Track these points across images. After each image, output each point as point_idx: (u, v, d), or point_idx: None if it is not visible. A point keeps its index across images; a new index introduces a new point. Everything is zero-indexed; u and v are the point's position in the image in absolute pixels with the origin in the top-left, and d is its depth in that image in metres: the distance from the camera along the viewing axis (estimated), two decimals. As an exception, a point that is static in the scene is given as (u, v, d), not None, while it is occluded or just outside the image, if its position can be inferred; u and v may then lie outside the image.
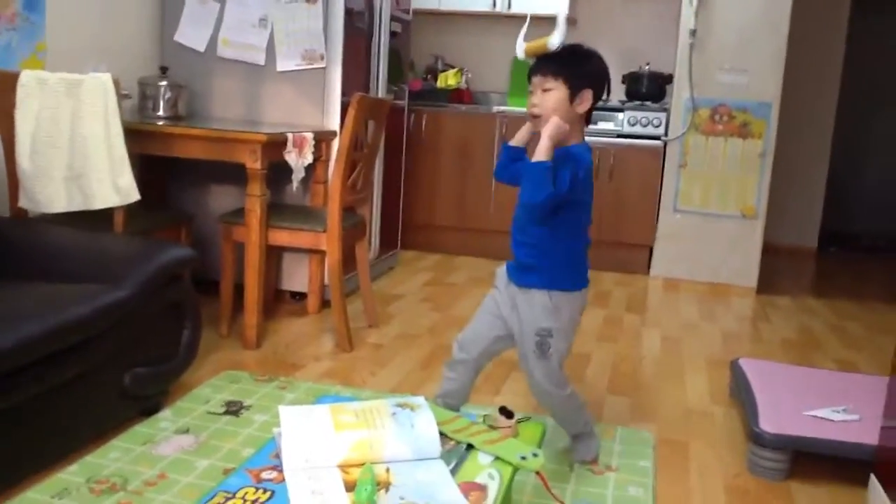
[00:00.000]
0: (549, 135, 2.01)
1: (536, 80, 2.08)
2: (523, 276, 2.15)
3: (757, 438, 2.33)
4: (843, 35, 6.06)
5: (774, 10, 4.67)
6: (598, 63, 2.14)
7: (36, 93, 2.61)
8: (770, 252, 5.23)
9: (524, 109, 4.72)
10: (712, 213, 4.89)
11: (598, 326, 3.84)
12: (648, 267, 5.06)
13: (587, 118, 2.14)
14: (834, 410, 2.46)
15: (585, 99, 2.07)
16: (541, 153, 2.01)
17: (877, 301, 4.80)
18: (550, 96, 2.06)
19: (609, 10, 5.55)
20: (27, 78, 2.61)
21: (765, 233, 4.89)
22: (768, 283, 4.93)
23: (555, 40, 2.06)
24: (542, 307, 2.12)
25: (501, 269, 2.24)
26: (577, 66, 2.09)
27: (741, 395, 2.67)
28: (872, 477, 2.11)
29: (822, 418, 2.41)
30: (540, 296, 2.12)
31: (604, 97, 2.18)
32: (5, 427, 1.88)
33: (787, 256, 6.01)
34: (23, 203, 2.66)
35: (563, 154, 2.06)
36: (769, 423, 2.35)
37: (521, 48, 2.16)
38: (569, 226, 2.14)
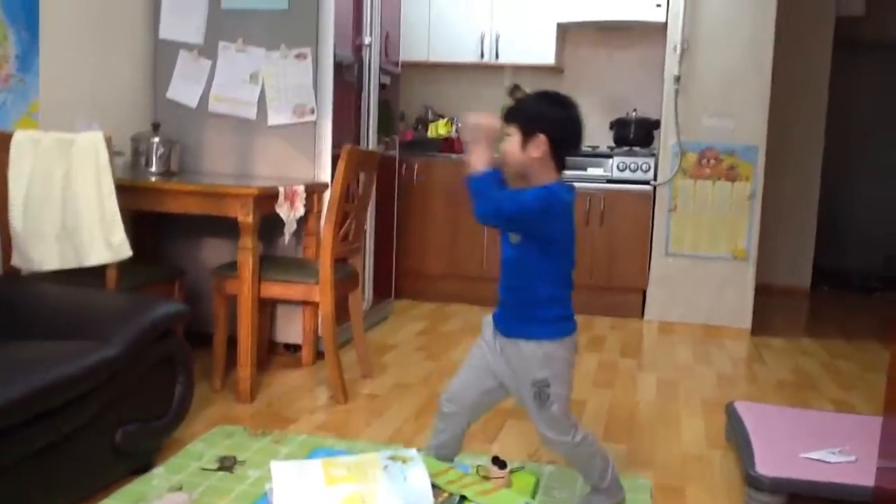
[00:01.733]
0: (470, 137, 2.07)
1: (502, 126, 2.14)
2: (511, 326, 2.15)
3: (753, 482, 2.32)
4: (827, 75, 6.16)
5: (756, 54, 4.76)
6: (554, 109, 2.14)
7: (29, 152, 2.64)
8: (764, 292, 5.25)
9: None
10: (704, 256, 4.92)
11: (593, 372, 3.83)
12: (642, 311, 5.07)
13: (559, 164, 2.13)
14: (830, 452, 2.45)
15: (538, 144, 2.08)
16: (474, 164, 2.05)
17: (869, 339, 4.81)
18: (509, 142, 2.12)
19: (594, 57, 5.64)
20: (21, 138, 2.64)
21: (758, 273, 4.91)
22: (762, 323, 4.94)
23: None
24: (534, 358, 2.11)
25: (488, 319, 2.24)
26: (528, 112, 2.13)
27: (737, 438, 2.66)
28: (870, 519, 2.10)
29: (818, 460, 2.41)
30: (529, 346, 2.11)
31: (573, 141, 2.18)
32: (-5, 488, 1.87)
33: (781, 296, 6.02)
34: (15, 261, 2.68)
35: (540, 188, 2.08)
36: (765, 467, 2.34)
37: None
38: (552, 271, 2.13)
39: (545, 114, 2.13)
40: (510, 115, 2.14)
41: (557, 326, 2.14)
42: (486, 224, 2.13)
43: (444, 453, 2.28)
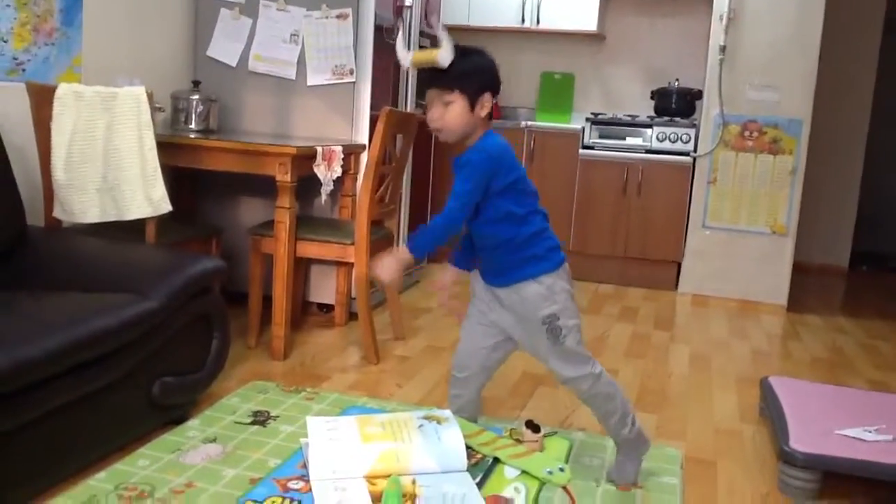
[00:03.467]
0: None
1: (433, 93, 2.06)
2: (506, 276, 2.12)
3: (787, 457, 2.30)
4: (876, 52, 6.00)
5: (805, 26, 4.64)
6: (485, 62, 2.10)
7: (72, 106, 2.66)
8: (801, 270, 5.18)
9: (553, 125, 4.77)
10: (742, 230, 4.85)
11: (625, 342, 3.81)
12: (677, 283, 5.03)
13: (490, 115, 2.11)
14: (866, 430, 2.42)
15: (486, 102, 2.06)
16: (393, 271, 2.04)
17: (910, 320, 4.73)
18: (451, 109, 2.04)
19: (637, 26, 5.54)
20: (64, 91, 2.65)
21: (795, 251, 4.84)
22: (799, 301, 4.87)
23: (444, 57, 2.01)
24: (538, 296, 2.08)
25: (475, 276, 2.21)
26: (470, 74, 2.06)
27: (771, 413, 2.64)
28: (906, 498, 2.08)
29: (853, 438, 2.38)
30: (531, 286, 2.08)
31: (499, 87, 2.15)
32: (36, 435, 1.90)
33: (818, 275, 5.94)
34: (57, 213, 2.71)
35: (459, 164, 2.07)
36: (799, 442, 2.32)
37: (406, 58, 2.12)
38: (518, 213, 2.10)
39: (482, 69, 2.09)
40: (453, 82, 2.04)
41: (550, 257, 2.12)
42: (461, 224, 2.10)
43: (465, 416, 2.28)
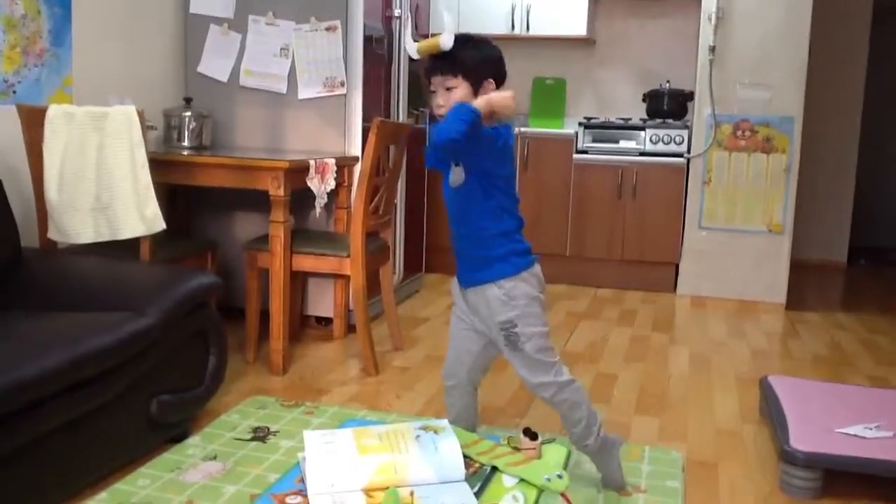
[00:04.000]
0: (489, 100, 1.96)
1: (437, 79, 2.07)
2: (472, 275, 2.14)
3: (788, 457, 2.30)
4: (866, 47, 6.02)
5: (794, 23, 4.66)
6: (491, 50, 2.12)
7: (63, 126, 2.67)
8: (798, 267, 5.18)
9: (546, 130, 4.77)
10: (738, 230, 4.85)
11: (624, 346, 3.81)
12: (675, 285, 5.03)
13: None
14: (866, 427, 2.42)
15: (489, 89, 2.07)
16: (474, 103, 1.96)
17: (909, 315, 4.73)
18: (455, 94, 2.06)
19: (626, 29, 5.56)
20: (54, 112, 2.66)
21: (793, 248, 4.84)
22: (797, 298, 4.87)
23: (446, 40, 2.04)
24: (495, 299, 2.09)
25: (454, 282, 2.23)
26: (474, 60, 2.07)
27: (771, 413, 2.64)
28: (907, 494, 2.07)
29: (854, 435, 2.37)
30: (491, 290, 2.09)
31: (505, 77, 2.15)
32: (34, 455, 1.90)
33: (816, 271, 5.94)
34: (51, 234, 2.71)
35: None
36: (800, 442, 2.31)
37: (412, 48, 2.13)
38: (495, 207, 2.10)
39: (486, 57, 2.10)
40: (456, 67, 2.05)
41: (512, 261, 2.11)
42: (439, 147, 1.99)
43: (463, 426, 2.28)
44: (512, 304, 2.08)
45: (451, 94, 2.06)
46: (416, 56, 2.14)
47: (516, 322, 2.08)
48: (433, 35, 2.12)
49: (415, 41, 2.16)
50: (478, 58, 2.08)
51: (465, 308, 2.21)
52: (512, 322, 2.08)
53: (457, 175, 2.09)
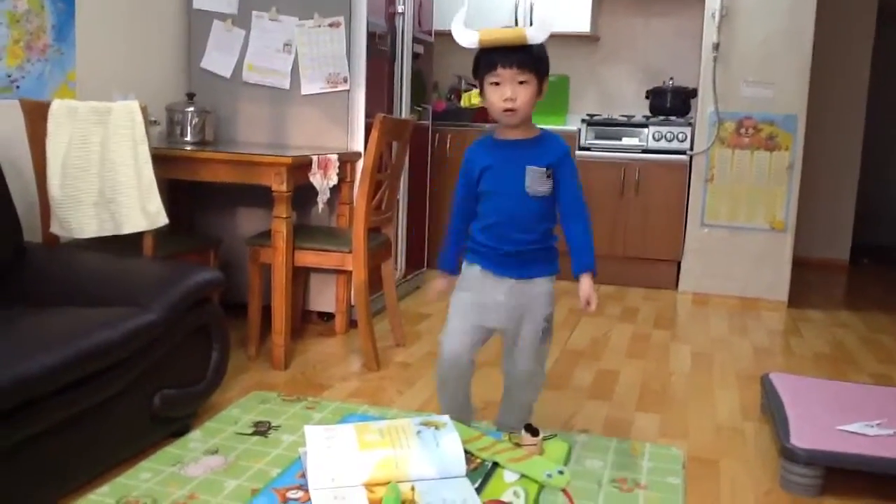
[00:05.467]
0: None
1: (510, 72, 2.08)
2: (531, 268, 2.22)
3: (789, 454, 2.30)
4: (870, 45, 6.01)
5: (798, 21, 4.65)
6: (546, 49, 2.18)
7: (66, 121, 2.67)
8: (801, 265, 5.17)
9: (549, 127, 4.79)
10: (740, 227, 4.85)
11: (626, 343, 3.81)
12: (677, 282, 5.03)
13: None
14: (867, 425, 2.42)
15: (545, 90, 2.15)
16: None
17: (911, 313, 4.72)
18: (526, 90, 2.09)
19: (631, 25, 5.55)
20: (58, 107, 2.67)
21: (795, 246, 4.84)
22: (799, 296, 4.87)
23: (538, 34, 2.06)
24: (548, 294, 2.22)
25: (473, 272, 2.26)
26: (545, 59, 2.14)
27: (772, 410, 2.64)
28: (908, 492, 2.07)
29: (855, 433, 2.37)
30: (544, 283, 2.22)
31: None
32: (37, 450, 1.91)
33: (819, 270, 5.94)
34: (54, 229, 2.72)
35: (564, 149, 2.19)
36: (801, 439, 2.32)
37: (472, 36, 2.12)
38: (554, 212, 2.24)
39: (547, 56, 2.17)
40: (532, 63, 2.10)
41: (556, 262, 2.27)
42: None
43: (464, 418, 2.31)
44: (553, 299, 2.23)
45: (523, 89, 2.10)
46: (472, 45, 2.13)
47: (551, 317, 2.23)
48: (507, 27, 2.18)
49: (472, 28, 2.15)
50: (546, 57, 2.15)
51: (484, 295, 2.23)
52: (551, 316, 2.23)
53: (548, 185, 2.18)
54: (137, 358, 2.18)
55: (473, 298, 2.26)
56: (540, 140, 2.21)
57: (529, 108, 2.13)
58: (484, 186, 2.22)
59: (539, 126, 2.25)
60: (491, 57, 2.10)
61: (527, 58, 2.08)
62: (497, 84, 2.10)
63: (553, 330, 2.29)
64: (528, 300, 2.21)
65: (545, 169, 2.16)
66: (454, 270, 2.35)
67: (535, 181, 2.14)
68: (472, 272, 2.27)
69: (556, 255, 2.25)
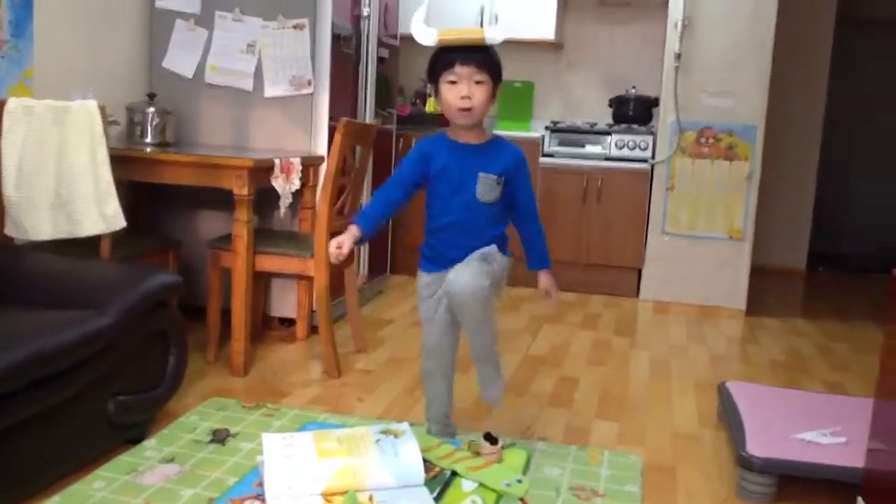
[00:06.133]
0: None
1: (467, 70, 2.12)
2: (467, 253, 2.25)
3: (745, 462, 2.33)
4: (828, 55, 6.13)
5: (759, 32, 4.72)
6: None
7: (22, 120, 2.61)
8: (759, 273, 5.25)
9: (513, 133, 4.81)
10: (700, 236, 4.91)
11: (586, 350, 3.83)
12: (637, 290, 5.07)
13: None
14: (822, 433, 2.46)
15: (498, 89, 2.20)
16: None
17: (864, 321, 4.81)
18: (483, 90, 2.15)
19: (595, 33, 5.59)
20: (14, 105, 2.61)
21: (753, 254, 4.91)
22: (757, 304, 4.94)
23: (497, 35, 2.11)
24: (494, 250, 2.25)
25: (425, 279, 2.33)
26: (499, 63, 2.19)
27: (729, 418, 2.67)
28: (860, 499, 2.11)
29: (809, 441, 2.41)
30: (489, 248, 2.25)
31: None
32: (-14, 457, 1.86)
33: (776, 277, 6.03)
34: (9, 230, 2.66)
35: (517, 155, 2.25)
36: (757, 447, 2.35)
37: (431, 34, 2.15)
38: (502, 218, 2.31)
39: (500, 61, 2.21)
40: (488, 63, 2.14)
41: (508, 248, 2.32)
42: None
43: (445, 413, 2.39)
44: (497, 258, 2.25)
45: (479, 89, 2.14)
46: (431, 43, 2.15)
47: (494, 262, 2.24)
48: (470, 28, 2.21)
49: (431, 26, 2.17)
50: (499, 61, 2.19)
51: (438, 292, 2.28)
52: (493, 257, 2.24)
53: (498, 192, 2.22)
54: (92, 362, 2.14)
55: (432, 304, 2.33)
56: (493, 146, 2.25)
57: (484, 110, 2.18)
58: (436, 186, 2.26)
59: (496, 132, 2.29)
60: (449, 56, 2.15)
61: (485, 58, 2.14)
62: (454, 83, 2.14)
63: (492, 288, 2.23)
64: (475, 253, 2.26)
65: (497, 177, 2.20)
66: (367, 231, 2.30)
67: (486, 189, 2.19)
68: (424, 279, 2.36)
69: (507, 243, 2.32)
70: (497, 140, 2.27)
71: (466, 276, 2.14)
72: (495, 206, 2.24)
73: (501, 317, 4.28)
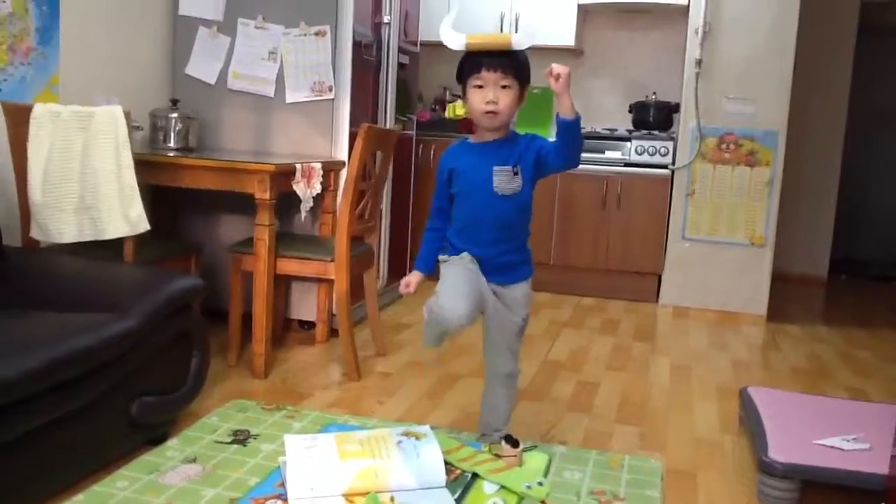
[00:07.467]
0: (563, 85, 2.05)
1: (494, 76, 2.14)
2: (507, 275, 2.28)
3: (766, 468, 2.31)
4: (850, 61, 6.08)
5: (780, 38, 4.70)
6: (527, 57, 2.24)
7: (48, 125, 2.65)
8: (780, 280, 5.22)
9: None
10: (721, 241, 4.89)
11: (606, 355, 3.83)
12: (657, 295, 5.05)
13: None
14: (844, 439, 2.44)
15: (525, 97, 2.22)
16: (570, 108, 2.08)
17: (887, 329, 4.77)
18: (508, 94, 2.16)
19: (615, 40, 5.60)
20: (40, 111, 2.65)
21: (775, 261, 4.88)
22: (778, 311, 4.91)
23: (523, 40, 2.13)
24: (525, 296, 2.29)
25: (467, 257, 2.27)
26: (527, 65, 2.20)
27: (750, 423, 2.65)
28: (883, 507, 2.09)
29: (831, 447, 2.39)
30: (521, 287, 2.28)
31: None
32: (13, 456, 1.89)
33: (798, 284, 5.99)
34: (34, 234, 2.69)
35: (528, 136, 2.25)
36: (778, 453, 2.33)
37: (459, 39, 2.17)
38: (529, 214, 2.31)
39: (528, 63, 2.22)
40: (515, 68, 2.16)
41: (532, 264, 2.34)
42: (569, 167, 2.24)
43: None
44: (529, 300, 2.30)
45: (505, 93, 2.15)
46: (459, 48, 2.18)
47: (528, 317, 2.31)
48: (497, 34, 2.23)
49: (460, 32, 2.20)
50: (528, 64, 2.20)
51: (482, 283, 2.27)
52: (528, 316, 2.31)
53: (516, 183, 2.20)
54: (115, 364, 2.16)
55: (465, 266, 2.26)
56: (508, 140, 2.26)
57: (510, 113, 2.19)
58: (455, 188, 2.29)
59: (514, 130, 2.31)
60: (476, 60, 2.17)
61: (511, 63, 2.15)
62: (480, 87, 2.16)
63: (525, 329, 2.38)
64: (507, 302, 2.28)
65: (512, 167, 2.21)
66: (426, 270, 2.40)
67: (503, 180, 2.21)
68: (456, 257, 2.29)
69: (530, 257, 2.33)
70: (513, 134, 2.29)
71: (504, 363, 2.32)
72: (515, 201, 2.23)
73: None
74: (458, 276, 2.23)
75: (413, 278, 2.37)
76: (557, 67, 2.04)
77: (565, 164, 2.19)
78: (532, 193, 2.27)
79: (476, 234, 2.24)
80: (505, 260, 2.26)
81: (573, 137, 2.12)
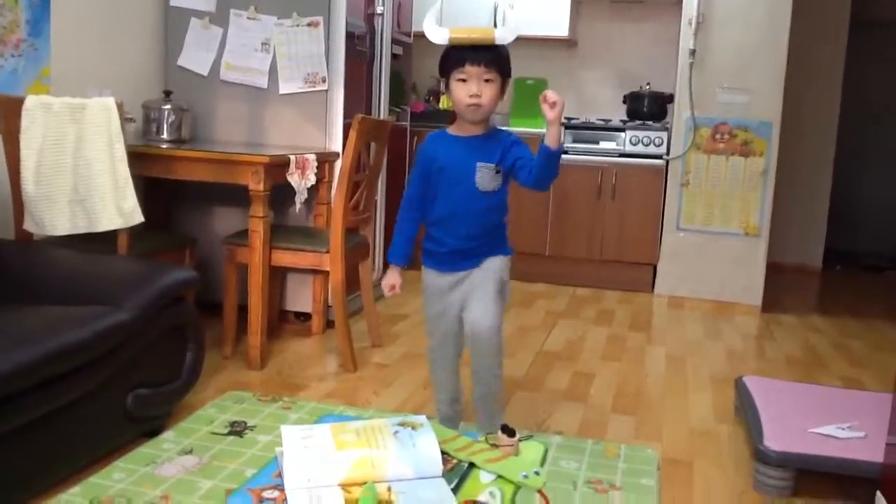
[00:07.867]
0: (556, 115, 2.08)
1: (477, 69, 2.16)
2: (480, 257, 2.30)
3: (761, 456, 2.32)
4: (843, 52, 6.09)
5: (774, 28, 4.70)
6: (508, 51, 2.25)
7: (41, 117, 2.64)
8: (775, 270, 5.23)
9: (527, 130, 4.81)
10: (715, 232, 4.90)
11: (602, 345, 3.83)
12: (652, 285, 5.06)
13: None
14: (839, 427, 2.45)
15: (506, 90, 2.24)
16: (557, 140, 2.11)
17: (881, 319, 4.79)
18: (491, 88, 2.20)
19: (608, 30, 5.59)
20: (32, 103, 2.63)
21: (769, 251, 4.89)
22: (773, 301, 4.92)
23: (506, 35, 2.15)
24: (503, 265, 2.30)
25: (430, 276, 2.38)
26: (508, 59, 2.22)
27: (746, 412, 2.66)
28: (878, 494, 2.10)
29: (826, 435, 2.40)
30: (496, 260, 2.30)
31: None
32: (8, 449, 1.88)
33: (792, 275, 6.00)
34: (27, 226, 2.68)
35: (511, 139, 2.27)
36: (774, 441, 2.34)
37: (443, 33, 2.19)
38: (503, 209, 2.33)
39: (509, 57, 2.23)
40: (497, 62, 2.17)
41: (507, 246, 2.36)
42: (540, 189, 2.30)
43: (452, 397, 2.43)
44: (508, 273, 2.31)
45: (488, 87, 2.17)
46: (443, 41, 2.19)
47: (507, 285, 2.31)
48: (480, 28, 2.24)
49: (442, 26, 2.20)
50: (509, 57, 2.22)
51: (448, 295, 2.33)
52: (507, 283, 2.31)
53: (497, 181, 2.25)
54: (110, 357, 2.16)
55: (438, 308, 2.37)
56: (490, 136, 2.28)
57: (493, 106, 2.21)
58: (438, 180, 2.29)
59: (499, 127, 2.34)
60: (459, 54, 2.19)
61: (494, 57, 2.17)
62: (464, 80, 2.18)
63: (509, 297, 2.35)
64: (483, 271, 2.29)
65: (495, 165, 2.24)
66: (403, 262, 2.42)
67: (486, 178, 2.24)
68: (429, 276, 2.39)
69: (506, 240, 2.35)
70: (494, 131, 2.31)
71: (487, 320, 2.22)
72: (495, 196, 2.27)
73: (516, 313, 4.28)
74: (436, 332, 2.40)
75: (395, 280, 2.42)
76: (552, 95, 2.06)
77: (534, 186, 2.24)
78: (508, 191, 2.32)
79: (452, 227, 2.29)
80: (476, 251, 2.30)
81: (552, 167, 2.17)
